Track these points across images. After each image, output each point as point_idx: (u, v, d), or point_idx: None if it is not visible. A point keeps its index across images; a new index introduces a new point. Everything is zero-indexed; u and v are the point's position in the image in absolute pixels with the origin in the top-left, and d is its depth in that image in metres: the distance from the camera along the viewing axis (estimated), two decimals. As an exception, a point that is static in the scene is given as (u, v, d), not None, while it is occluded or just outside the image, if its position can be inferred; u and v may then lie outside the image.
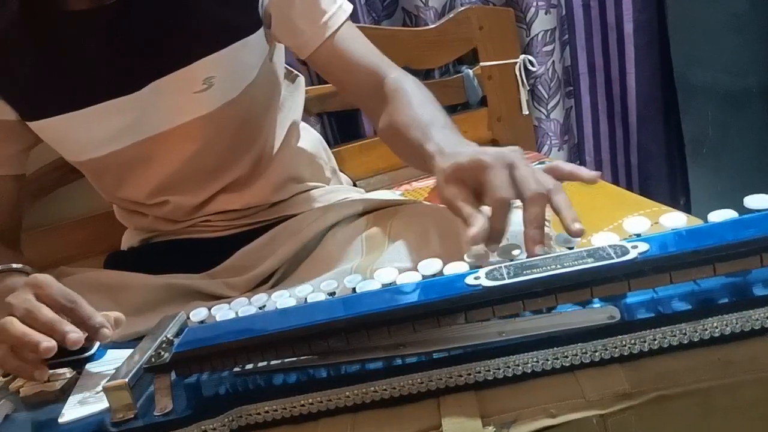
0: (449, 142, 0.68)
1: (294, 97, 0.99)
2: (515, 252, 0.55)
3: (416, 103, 0.78)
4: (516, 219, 0.72)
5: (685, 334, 0.47)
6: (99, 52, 0.76)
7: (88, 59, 0.76)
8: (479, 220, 0.57)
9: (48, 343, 0.56)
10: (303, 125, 1.01)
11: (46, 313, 0.59)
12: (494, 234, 0.57)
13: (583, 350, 0.48)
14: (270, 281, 0.84)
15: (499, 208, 0.57)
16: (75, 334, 0.58)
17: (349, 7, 0.86)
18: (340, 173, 1.07)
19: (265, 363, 0.53)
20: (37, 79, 0.77)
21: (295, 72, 1.02)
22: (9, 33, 0.75)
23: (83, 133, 0.79)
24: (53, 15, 0.75)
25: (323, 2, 0.83)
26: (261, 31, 0.81)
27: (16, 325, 0.58)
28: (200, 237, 0.91)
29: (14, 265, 0.75)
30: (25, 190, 0.88)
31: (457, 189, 0.61)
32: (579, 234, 0.54)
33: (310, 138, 1.02)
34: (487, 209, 0.59)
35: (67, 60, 0.76)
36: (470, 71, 1.33)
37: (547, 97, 1.43)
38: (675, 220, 0.52)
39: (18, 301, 0.59)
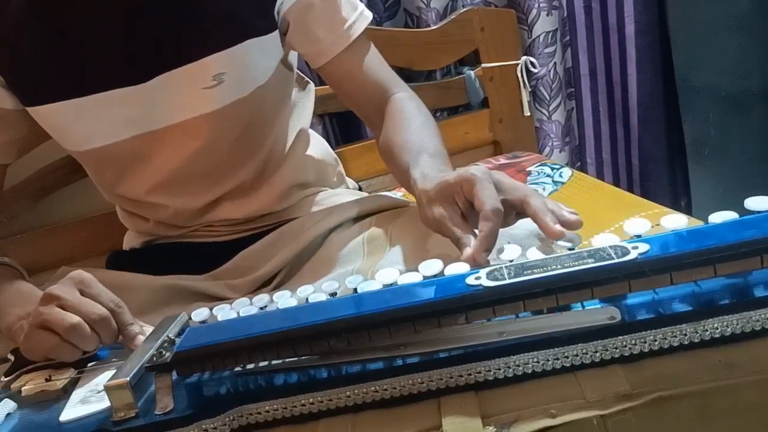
0: (434, 168, 0.69)
1: (304, 103, 0.99)
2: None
3: (413, 127, 0.79)
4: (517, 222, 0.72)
5: (686, 335, 0.47)
6: (110, 41, 0.76)
7: (98, 47, 0.76)
8: (471, 240, 0.59)
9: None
10: (311, 132, 1.01)
11: (115, 325, 0.61)
12: (488, 243, 0.58)
13: (584, 351, 0.48)
14: (272, 283, 0.84)
15: (492, 216, 0.58)
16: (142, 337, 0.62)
17: (370, 14, 0.86)
18: (347, 179, 1.07)
19: (266, 363, 0.54)
20: (43, 63, 0.77)
21: (306, 78, 1.02)
22: (22, 20, 0.75)
23: (86, 121, 0.79)
24: (69, 2, 0.75)
25: (344, 10, 0.83)
26: (276, 34, 0.81)
27: (84, 329, 0.59)
28: (203, 241, 0.91)
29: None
30: (2, 183, 0.88)
31: (443, 209, 0.62)
32: (559, 236, 0.55)
33: (318, 145, 1.01)
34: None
35: (76, 46, 0.76)
36: (472, 72, 1.34)
37: (548, 98, 1.43)
38: (676, 221, 0.52)
39: (73, 298, 0.60)
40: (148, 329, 0.63)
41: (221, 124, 0.81)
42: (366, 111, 0.89)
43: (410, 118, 0.81)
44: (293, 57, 0.90)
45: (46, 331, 0.60)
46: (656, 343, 0.47)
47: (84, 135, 0.81)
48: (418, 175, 0.69)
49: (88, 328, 0.59)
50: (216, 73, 0.78)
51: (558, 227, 0.55)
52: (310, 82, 1.03)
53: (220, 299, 0.81)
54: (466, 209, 0.62)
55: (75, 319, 0.59)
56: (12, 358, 0.65)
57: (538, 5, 1.35)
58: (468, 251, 0.58)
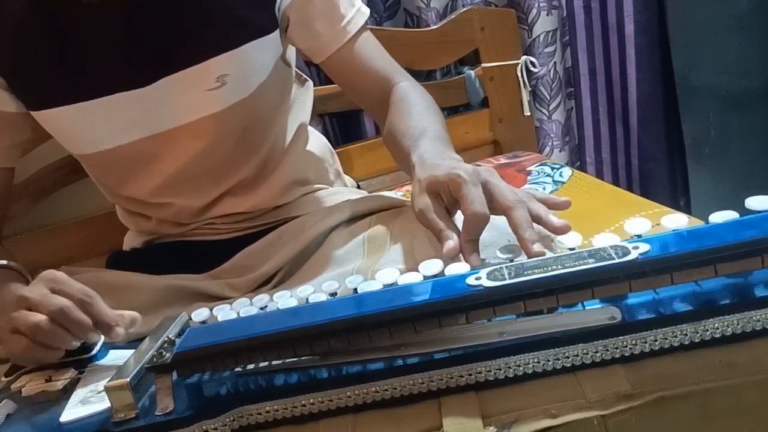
0: (432, 153, 0.69)
1: (303, 100, 0.99)
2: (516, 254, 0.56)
3: (415, 112, 0.80)
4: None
5: (686, 335, 0.47)
6: (114, 45, 0.76)
7: (102, 51, 0.76)
8: (452, 234, 0.59)
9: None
10: (309, 128, 1.01)
11: (78, 315, 0.60)
12: (468, 246, 0.58)
13: (584, 351, 0.48)
14: (272, 282, 0.84)
15: (474, 221, 0.58)
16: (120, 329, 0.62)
17: (367, 10, 0.87)
18: (344, 175, 1.07)
19: (266, 363, 0.54)
20: (49, 68, 0.76)
21: (304, 75, 1.02)
22: (23, 21, 0.75)
23: (92, 125, 0.79)
24: (70, 4, 0.74)
25: (342, 6, 0.84)
26: (277, 32, 0.82)
27: (47, 324, 0.59)
28: (204, 239, 0.91)
29: (1, 262, 0.75)
30: (11, 185, 0.88)
31: (429, 201, 0.63)
32: (536, 255, 0.54)
33: (317, 141, 1.02)
34: (460, 219, 0.60)
35: (80, 50, 0.76)
36: (472, 72, 1.33)
37: (548, 98, 1.43)
38: (676, 221, 0.52)
39: (38, 296, 0.60)
40: (129, 316, 0.63)
41: (225, 124, 0.81)
42: (369, 103, 0.90)
43: (412, 104, 0.81)
44: (291, 54, 0.91)
45: (17, 334, 0.60)
46: (657, 343, 0.47)
47: (90, 138, 0.81)
48: (416, 159, 0.69)
49: (50, 324, 0.59)
50: (219, 75, 0.78)
51: (535, 248, 0.55)
52: (308, 79, 1.03)
53: (220, 298, 0.81)
54: (451, 205, 0.63)
55: (37, 317, 0.58)
56: (12, 358, 0.65)
57: (538, 5, 1.35)
58: (450, 244, 0.58)
